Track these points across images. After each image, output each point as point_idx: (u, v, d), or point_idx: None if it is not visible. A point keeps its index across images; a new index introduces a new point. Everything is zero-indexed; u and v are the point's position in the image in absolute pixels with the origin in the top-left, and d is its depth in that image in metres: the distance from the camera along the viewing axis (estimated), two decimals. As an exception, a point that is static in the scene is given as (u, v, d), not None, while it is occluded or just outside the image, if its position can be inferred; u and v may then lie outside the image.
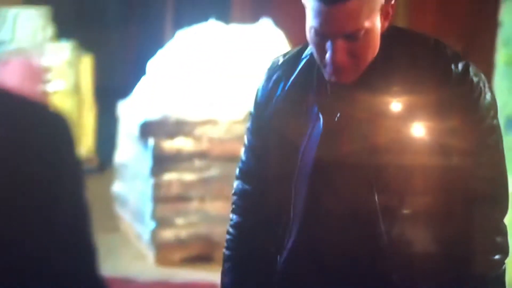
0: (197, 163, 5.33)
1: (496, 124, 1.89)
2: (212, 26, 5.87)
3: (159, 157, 5.24)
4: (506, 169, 1.92)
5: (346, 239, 1.90)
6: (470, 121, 1.84)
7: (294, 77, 1.94)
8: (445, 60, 1.85)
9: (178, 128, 5.33)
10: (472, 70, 1.85)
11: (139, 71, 6.01)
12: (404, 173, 1.85)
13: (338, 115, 1.88)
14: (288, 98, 1.94)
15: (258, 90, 2.02)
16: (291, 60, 1.98)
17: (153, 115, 5.34)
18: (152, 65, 5.81)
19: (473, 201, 1.88)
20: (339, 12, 1.73)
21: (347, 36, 1.77)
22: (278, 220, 1.95)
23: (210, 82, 5.56)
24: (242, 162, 2.06)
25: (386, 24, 1.83)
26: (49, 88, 6.71)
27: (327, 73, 1.83)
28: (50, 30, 6.69)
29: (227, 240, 2.08)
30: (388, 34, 1.85)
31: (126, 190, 5.86)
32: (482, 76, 1.87)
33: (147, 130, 5.30)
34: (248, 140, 2.04)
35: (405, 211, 1.86)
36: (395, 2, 1.83)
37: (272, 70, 2.00)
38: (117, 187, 6.04)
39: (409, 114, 1.84)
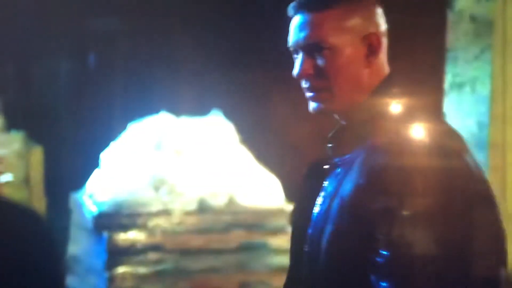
0: (151, 255, 5.31)
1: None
2: (163, 119, 5.94)
3: (113, 250, 5.20)
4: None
5: None
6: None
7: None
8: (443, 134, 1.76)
9: (131, 220, 5.32)
10: (469, 152, 1.77)
11: (91, 163, 5.99)
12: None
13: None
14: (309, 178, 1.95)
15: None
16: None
17: (107, 207, 5.33)
18: (105, 157, 5.81)
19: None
20: (304, 22, 1.81)
21: (312, 50, 1.80)
22: None
23: (164, 174, 5.58)
24: None
25: (374, 59, 1.81)
26: (-2, 179, 6.63)
27: (309, 104, 1.85)
28: (-1, 122, 6.66)
29: None
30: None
31: (78, 285, 5.77)
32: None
33: (101, 222, 5.27)
34: None
35: None
36: (380, 35, 1.81)
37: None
38: (69, 281, 5.94)
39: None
